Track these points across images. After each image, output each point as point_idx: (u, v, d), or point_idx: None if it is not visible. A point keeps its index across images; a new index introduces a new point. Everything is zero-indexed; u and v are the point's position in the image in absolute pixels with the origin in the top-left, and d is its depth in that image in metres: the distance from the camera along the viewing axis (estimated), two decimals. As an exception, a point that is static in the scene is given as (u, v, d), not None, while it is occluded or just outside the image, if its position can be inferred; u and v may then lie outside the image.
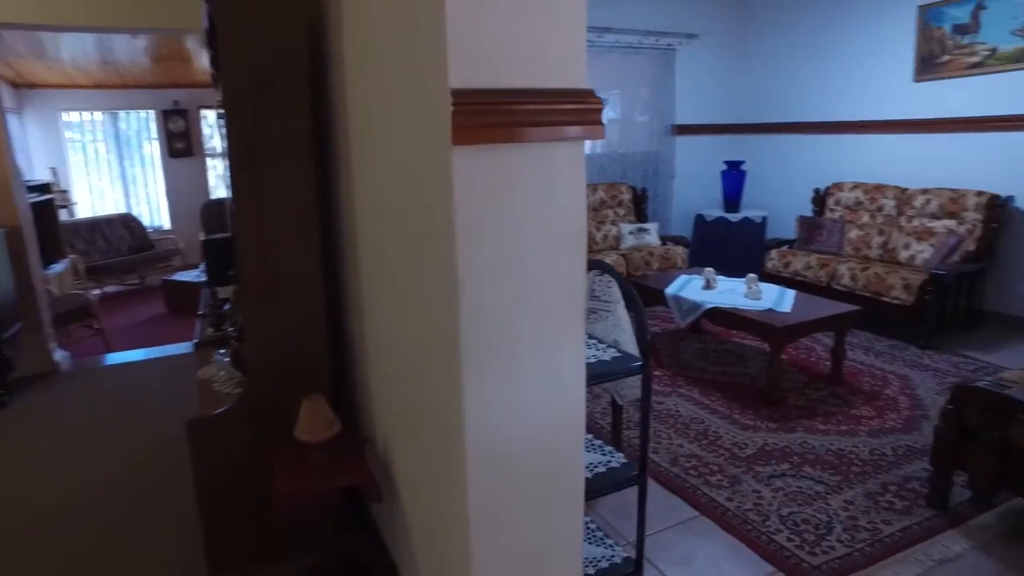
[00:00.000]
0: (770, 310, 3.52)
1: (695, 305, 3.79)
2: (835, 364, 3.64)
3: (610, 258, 5.10)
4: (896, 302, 4.24)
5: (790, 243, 5.37)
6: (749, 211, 6.03)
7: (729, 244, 5.94)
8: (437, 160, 1.19)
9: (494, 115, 1.14)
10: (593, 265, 2.19)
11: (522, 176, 1.20)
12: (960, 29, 4.61)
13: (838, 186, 5.39)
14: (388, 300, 1.76)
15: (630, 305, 1.97)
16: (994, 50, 4.44)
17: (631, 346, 2.73)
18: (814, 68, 5.75)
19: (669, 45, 5.96)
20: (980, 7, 4.48)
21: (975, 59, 4.56)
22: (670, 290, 4.02)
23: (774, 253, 5.18)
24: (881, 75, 5.20)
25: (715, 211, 6.10)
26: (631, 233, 5.64)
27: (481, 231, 1.17)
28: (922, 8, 4.80)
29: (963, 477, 2.50)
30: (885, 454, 2.90)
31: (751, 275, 3.85)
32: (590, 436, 2.12)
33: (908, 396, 3.48)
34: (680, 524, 2.45)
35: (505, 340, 1.23)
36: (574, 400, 1.34)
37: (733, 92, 6.42)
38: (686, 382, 3.78)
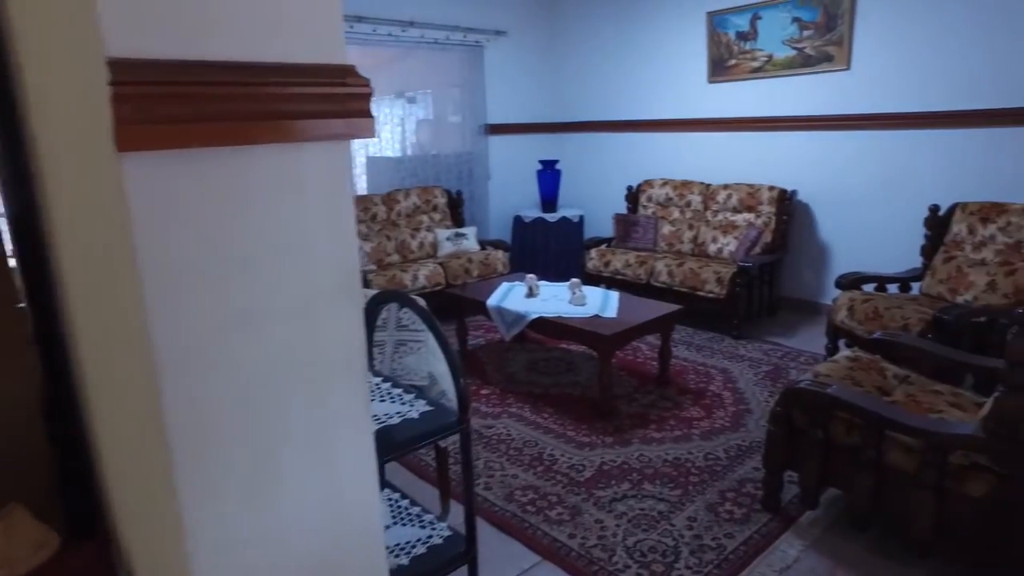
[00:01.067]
0: (596, 316, 3.38)
1: (519, 316, 3.55)
2: (662, 365, 3.60)
3: (427, 268, 4.74)
4: (711, 295, 4.34)
5: (608, 241, 5.39)
6: (567, 210, 6.00)
7: (549, 245, 5.86)
8: (101, 175, 0.73)
9: (191, 102, 0.71)
10: (389, 297, 1.80)
11: (249, 196, 0.78)
12: (742, 36, 4.87)
13: (649, 183, 5.51)
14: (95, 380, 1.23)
15: (440, 344, 1.61)
16: (771, 57, 4.74)
17: (450, 380, 2.38)
18: (620, 68, 5.84)
19: (477, 42, 5.73)
20: (757, 17, 4.75)
21: (756, 64, 4.84)
22: (492, 301, 3.75)
23: (593, 252, 5.15)
24: (680, 76, 5.38)
25: (533, 212, 6.00)
26: (448, 239, 5.33)
27: (187, 282, 0.74)
28: (710, 15, 5.01)
29: (794, 476, 2.48)
30: (719, 457, 2.84)
31: (574, 280, 3.70)
32: (407, 502, 1.74)
33: (731, 391, 3.52)
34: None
35: (247, 442, 0.80)
36: (363, 503, 0.95)
37: (544, 91, 6.37)
38: (516, 399, 3.53)
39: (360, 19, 4.93)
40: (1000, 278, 3.33)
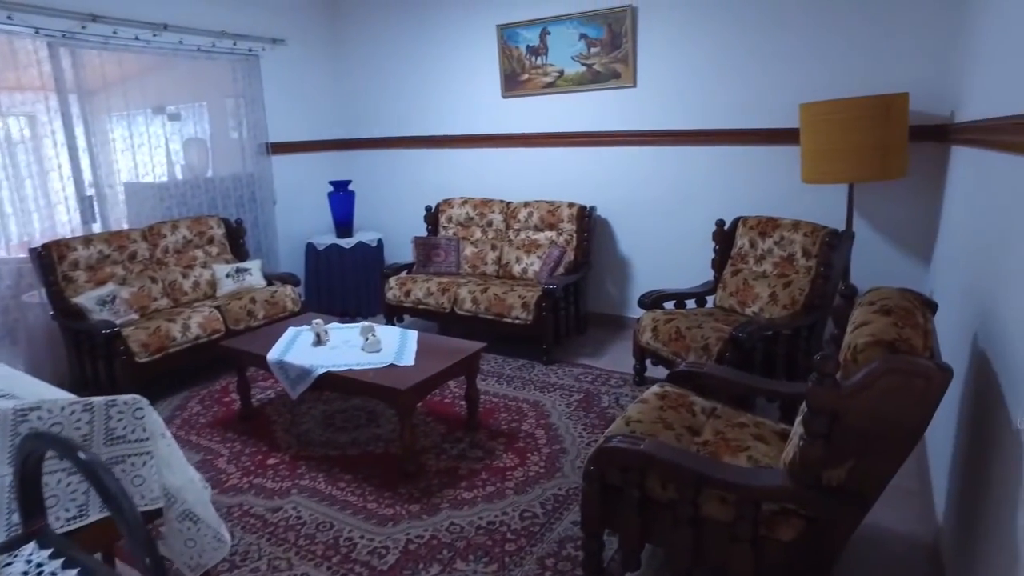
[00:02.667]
0: (391, 365, 2.99)
1: (304, 372, 3.06)
2: (471, 409, 3.30)
3: (200, 314, 4.04)
4: (518, 322, 4.15)
5: (410, 267, 5.02)
6: (364, 235, 5.54)
7: (347, 273, 5.36)
8: None
9: None
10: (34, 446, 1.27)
11: None
12: (533, 51, 4.77)
13: (448, 202, 5.23)
14: None
15: (110, 505, 1.11)
16: (562, 72, 4.68)
17: (198, 490, 1.87)
18: (412, 80, 5.51)
19: (251, 50, 5.07)
20: (546, 32, 4.67)
21: (548, 79, 4.76)
22: (273, 355, 3.22)
23: (392, 282, 4.75)
24: (475, 90, 5.17)
25: (327, 238, 5.45)
26: (228, 276, 4.63)
27: None
28: (500, 27, 4.85)
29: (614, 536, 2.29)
30: (536, 515, 2.60)
31: (365, 324, 3.29)
32: None
33: (544, 427, 3.32)
34: None
35: None
36: None
37: (332, 105, 5.85)
38: (310, 466, 3.04)
39: (95, 18, 4.09)
40: (779, 290, 3.48)
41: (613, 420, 3.25)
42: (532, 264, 4.68)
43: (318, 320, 3.39)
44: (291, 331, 3.58)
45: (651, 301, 3.70)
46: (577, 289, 4.55)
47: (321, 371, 3.00)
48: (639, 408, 2.34)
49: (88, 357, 3.84)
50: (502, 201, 5.01)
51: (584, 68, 4.58)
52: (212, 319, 4.10)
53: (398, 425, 2.94)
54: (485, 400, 3.66)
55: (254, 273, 4.70)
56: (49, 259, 3.91)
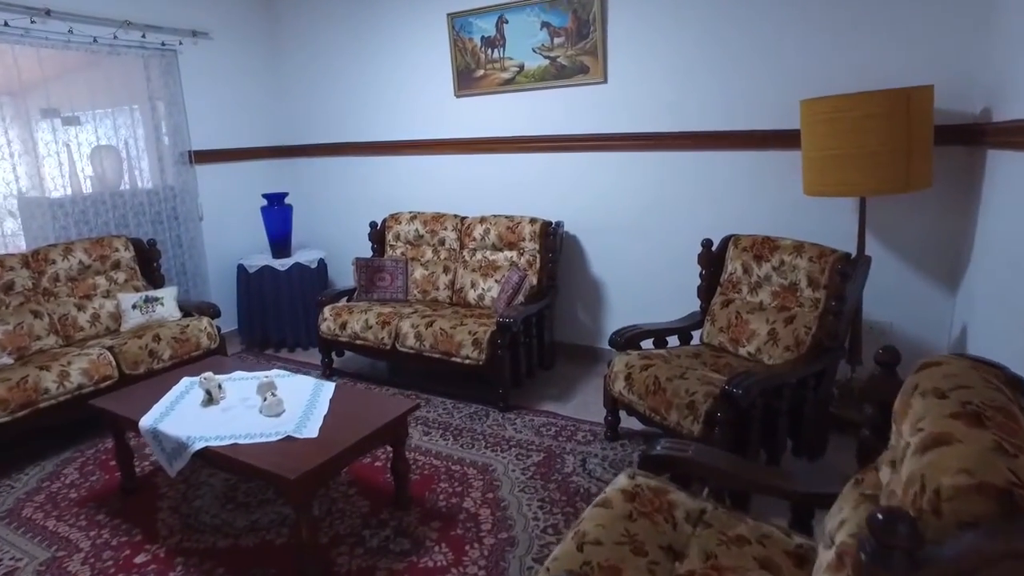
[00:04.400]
0: (288, 438, 2.32)
1: (180, 445, 2.38)
2: (399, 484, 2.64)
3: (85, 359, 3.34)
4: (468, 362, 3.49)
5: (352, 292, 4.35)
6: (303, 254, 4.86)
7: (282, 299, 4.68)
8: None
9: None
10: None
11: None
12: (489, 42, 4.12)
13: (395, 217, 4.56)
14: None
15: None
16: (522, 67, 4.05)
17: None
18: (357, 79, 4.85)
19: (165, 44, 4.38)
20: (503, 20, 4.03)
21: (507, 75, 4.12)
22: (148, 420, 2.53)
23: (327, 311, 4.06)
24: (425, 89, 4.52)
25: (261, 258, 4.77)
26: (136, 307, 3.93)
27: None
28: (451, 16, 4.20)
29: None
30: (462, 653, 1.93)
31: (264, 378, 2.60)
32: None
33: (491, 504, 2.66)
34: None
35: None
36: None
37: (266, 107, 5.17)
38: (187, 566, 2.36)
39: (-51, 2, 3.39)
40: (780, 327, 2.85)
41: (576, 494, 2.62)
42: (490, 289, 4.03)
43: (208, 374, 2.70)
44: (184, 383, 2.90)
45: (624, 340, 3.05)
46: (542, 318, 3.90)
47: (199, 445, 2.32)
48: (599, 518, 1.69)
49: (-60, 414, 3.13)
50: (456, 216, 4.36)
51: (547, 62, 3.94)
52: (102, 363, 3.40)
53: (294, 524, 2.26)
54: (424, 463, 3.00)
55: (167, 303, 4.00)
56: None
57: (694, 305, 3.36)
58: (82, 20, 3.90)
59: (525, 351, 3.74)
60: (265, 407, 2.51)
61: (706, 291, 3.27)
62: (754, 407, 2.44)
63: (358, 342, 3.90)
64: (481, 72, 4.20)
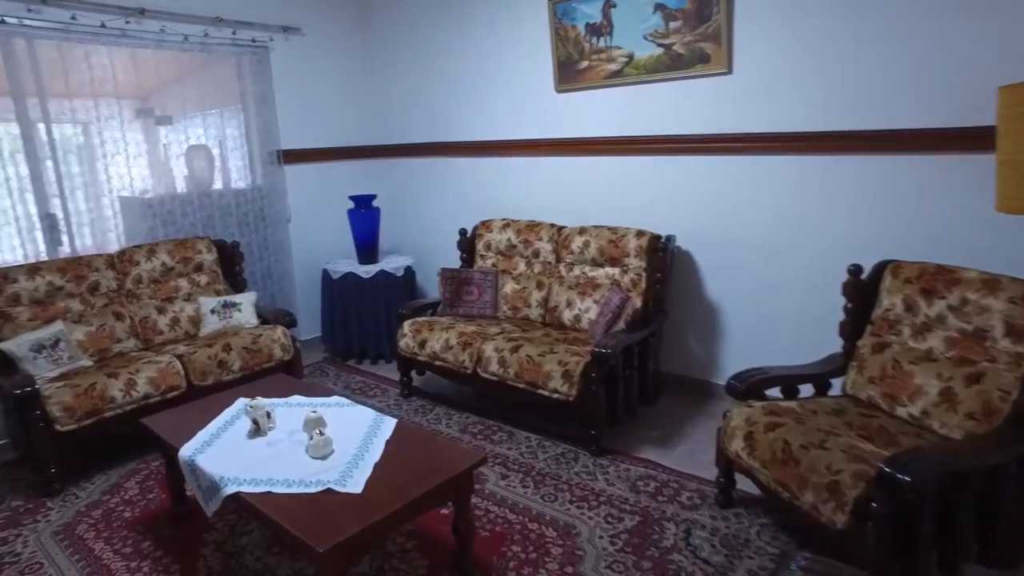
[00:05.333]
0: (329, 490, 1.95)
1: (213, 485, 2.08)
2: (461, 546, 2.21)
3: (154, 367, 3.18)
4: (557, 396, 3.02)
5: (435, 306, 4.00)
6: (390, 261, 4.58)
7: (365, 308, 4.41)
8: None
9: None
10: None
11: None
12: (594, 30, 3.64)
13: (487, 225, 4.17)
14: None
15: None
16: (631, 57, 3.53)
17: None
18: (452, 75, 4.52)
19: (256, 41, 4.24)
20: (610, 4, 3.53)
21: (614, 66, 3.61)
22: (187, 451, 2.27)
23: (407, 327, 3.73)
24: (523, 84, 4.11)
25: (346, 264, 4.53)
26: (214, 311, 3.79)
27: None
28: (553, 3, 3.76)
29: None
30: None
31: (313, 412, 2.26)
32: None
33: (568, 584, 2.18)
34: None
35: None
36: None
37: (356, 106, 4.94)
38: (214, 627, 2.05)
39: (45, 0, 3.35)
40: (959, 386, 2.17)
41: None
42: (587, 310, 3.54)
43: (258, 400, 2.40)
44: (237, 405, 2.63)
45: (746, 388, 2.46)
46: (646, 347, 3.37)
47: (230, 489, 2.01)
48: None
49: (13, 419, 3.07)
50: (552, 225, 3.90)
51: (660, 50, 3.40)
52: (170, 372, 3.23)
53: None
54: (497, 517, 2.56)
55: (244, 309, 3.83)
56: (-22, 293, 3.20)
57: (834, 344, 2.71)
58: (174, 19, 3.80)
59: (624, 385, 3.22)
60: (311, 447, 2.17)
61: (851, 329, 2.62)
62: (926, 498, 1.81)
63: (437, 363, 3.54)
64: (585, 64, 3.72)
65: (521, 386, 3.15)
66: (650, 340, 3.37)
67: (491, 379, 3.29)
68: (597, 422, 3.01)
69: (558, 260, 3.82)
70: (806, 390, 2.62)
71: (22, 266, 3.37)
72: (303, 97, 4.54)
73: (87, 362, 3.31)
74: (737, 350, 3.49)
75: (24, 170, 3.51)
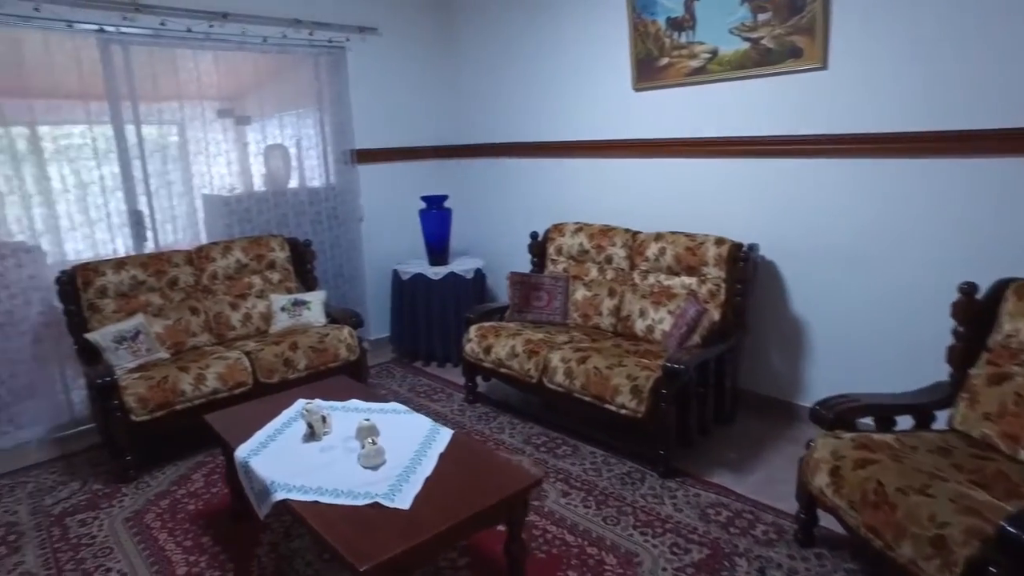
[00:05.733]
0: (376, 504, 1.87)
1: (264, 489, 2.05)
2: (513, 569, 2.09)
3: (222, 363, 3.23)
4: (624, 412, 2.85)
5: (503, 311, 3.91)
6: (460, 263, 4.52)
7: (433, 310, 4.37)
8: None
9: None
10: None
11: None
12: (675, 24, 3.44)
13: (559, 228, 4.04)
14: None
15: None
16: (715, 52, 3.30)
17: None
18: (527, 74, 4.41)
19: (332, 42, 4.27)
20: (695, -5, 3.32)
21: (696, 63, 3.40)
22: (243, 451, 2.25)
23: (472, 332, 3.65)
24: (599, 82, 3.95)
25: (415, 265, 4.51)
26: (284, 309, 3.83)
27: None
28: (633, -4, 3.58)
29: None
30: None
31: (366, 420, 2.19)
32: None
33: (627, 621, 2.02)
34: None
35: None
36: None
37: (430, 105, 4.90)
38: (261, 634, 2.02)
39: (138, 8, 3.48)
40: (1099, 427, 1.86)
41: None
42: (661, 321, 3.35)
43: (316, 402, 2.37)
44: (296, 407, 2.61)
45: (834, 416, 2.22)
46: (723, 363, 3.15)
47: (280, 496, 1.97)
48: None
49: (96, 406, 3.20)
50: (627, 230, 3.72)
51: (747, 45, 3.16)
52: (238, 369, 3.28)
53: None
54: (554, 538, 2.43)
55: (313, 307, 3.86)
56: (72, 285, 3.34)
57: (940, 372, 2.42)
58: (254, 21, 3.87)
59: (698, 403, 3.02)
60: (363, 456, 2.10)
61: (963, 355, 2.32)
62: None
63: (502, 370, 3.44)
64: (665, 60, 3.52)
65: (587, 399, 3.00)
66: (728, 356, 3.14)
67: (557, 390, 3.15)
68: (667, 441, 2.82)
69: (632, 267, 3.64)
70: (904, 422, 2.34)
71: (109, 260, 3.50)
72: (377, 97, 4.55)
73: (164, 354, 3.41)
74: (825, 372, 3.20)
75: (115, 169, 3.67)
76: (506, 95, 4.57)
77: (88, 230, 3.62)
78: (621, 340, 3.40)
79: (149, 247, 3.84)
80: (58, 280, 3.32)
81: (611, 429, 3.16)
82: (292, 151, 4.38)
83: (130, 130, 3.65)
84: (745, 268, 3.14)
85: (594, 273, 3.81)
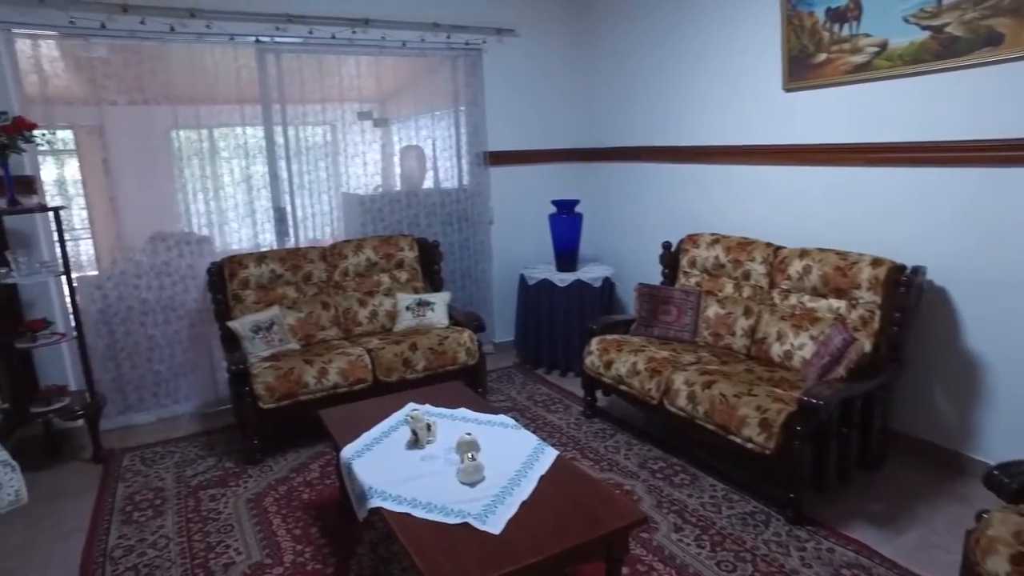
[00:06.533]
0: (467, 525, 1.79)
1: (363, 494, 2.04)
2: (609, 612, 1.93)
3: (344, 359, 3.33)
4: (751, 447, 2.57)
5: (629, 323, 3.71)
6: (589, 270, 4.37)
7: (557, 317, 4.25)
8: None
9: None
10: None
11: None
12: (837, 15, 3.06)
13: (694, 239, 3.77)
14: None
15: None
16: (884, 45, 2.90)
17: None
18: (667, 74, 4.17)
19: (469, 44, 4.29)
20: (864, -17, 2.94)
21: (860, 58, 3.00)
22: (348, 452, 2.27)
23: (594, 344, 3.49)
24: (744, 83, 3.64)
25: (543, 270, 4.42)
26: (409, 308, 3.90)
27: None
28: (789, -13, 3.25)
29: None
30: None
31: (464, 436, 2.11)
32: None
33: None
34: None
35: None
36: None
37: (565, 107, 4.79)
38: (351, 638, 2.02)
39: (291, 19, 3.68)
40: None
41: None
42: (801, 347, 3.01)
43: (420, 409, 2.34)
44: (406, 410, 2.60)
45: (1018, 487, 1.83)
46: (872, 400, 2.75)
47: (375, 503, 1.95)
48: None
49: (232, 390, 3.42)
50: (768, 245, 3.39)
51: (926, 34, 2.73)
52: (359, 366, 3.37)
53: None
54: (659, 574, 2.23)
55: (437, 309, 3.89)
56: (220, 276, 3.61)
57: None
58: (394, 26, 3.98)
59: (839, 444, 2.66)
60: (461, 471, 2.03)
61: None
62: None
63: (621, 387, 3.26)
64: (822, 57, 3.15)
65: (711, 427, 2.75)
66: (879, 393, 2.75)
67: (678, 414, 2.92)
68: (799, 484, 2.50)
69: (771, 285, 3.31)
70: (1114, 497, 1.89)
71: (252, 254, 3.74)
72: (511, 98, 4.52)
73: (295, 345, 3.58)
74: (1008, 423, 2.71)
75: (264, 169, 3.92)
76: (643, 96, 4.36)
77: (238, 225, 3.91)
78: (754, 364, 3.09)
79: (290, 243, 4.06)
80: (208, 271, 3.60)
81: (737, 462, 2.88)
82: (427, 152, 4.46)
83: (278, 131, 3.88)
84: (907, 294, 2.72)
85: (729, 289, 3.51)
